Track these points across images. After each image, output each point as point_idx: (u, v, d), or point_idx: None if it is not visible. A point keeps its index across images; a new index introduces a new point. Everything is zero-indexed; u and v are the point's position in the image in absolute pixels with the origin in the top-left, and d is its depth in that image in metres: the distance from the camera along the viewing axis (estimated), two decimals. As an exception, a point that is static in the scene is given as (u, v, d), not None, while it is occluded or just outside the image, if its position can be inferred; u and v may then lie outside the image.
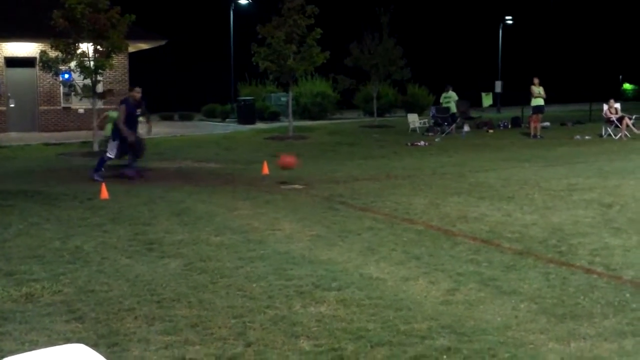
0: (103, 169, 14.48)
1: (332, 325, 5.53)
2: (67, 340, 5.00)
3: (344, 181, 14.09)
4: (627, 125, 24.86)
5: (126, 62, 28.97)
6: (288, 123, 27.05)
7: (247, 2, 44.89)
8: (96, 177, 14.06)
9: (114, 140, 14.50)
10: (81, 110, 27.78)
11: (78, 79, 20.32)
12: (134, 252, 7.97)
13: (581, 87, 50.22)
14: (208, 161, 16.43)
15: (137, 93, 14.56)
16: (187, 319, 5.68)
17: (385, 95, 39.92)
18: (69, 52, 19.44)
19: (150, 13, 40.40)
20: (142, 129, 15.09)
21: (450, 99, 29.38)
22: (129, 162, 14.77)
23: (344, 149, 21.69)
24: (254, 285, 6.64)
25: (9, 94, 27.39)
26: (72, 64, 19.82)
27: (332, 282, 6.69)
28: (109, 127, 15.29)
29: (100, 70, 19.88)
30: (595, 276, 6.91)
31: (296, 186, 13.42)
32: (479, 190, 12.60)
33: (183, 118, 38.49)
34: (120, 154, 14.71)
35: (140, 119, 14.94)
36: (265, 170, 15.42)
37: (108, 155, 14.59)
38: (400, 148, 21.90)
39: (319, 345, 5.10)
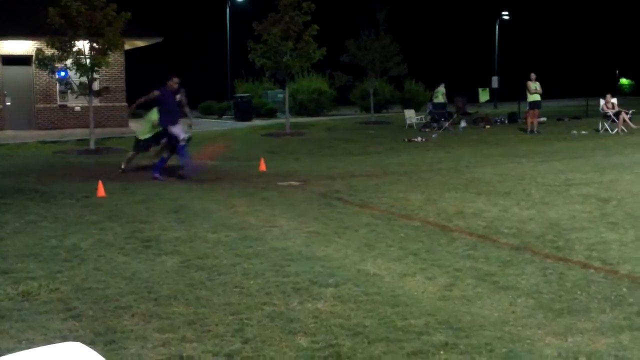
0: (189, 161, 14.21)
1: (329, 321, 5.53)
2: (64, 339, 4.99)
3: (340, 177, 14.09)
4: (624, 120, 24.88)
5: (122, 60, 28.91)
6: (285, 120, 27.05)
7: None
8: (188, 174, 13.91)
9: (171, 129, 13.94)
10: (77, 108, 27.72)
11: (74, 76, 20.28)
12: (130, 249, 7.96)
13: (578, 82, 50.24)
14: (199, 159, 16.40)
15: (175, 83, 14.18)
16: (184, 316, 5.68)
17: (382, 92, 39.95)
18: (65, 49, 19.40)
19: (146, 10, 40.36)
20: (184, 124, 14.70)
21: (439, 92, 29.42)
22: (161, 159, 14.42)
23: (341, 145, 21.69)
24: (251, 282, 6.63)
25: (5, 92, 27.34)
26: (68, 62, 19.77)
27: (329, 279, 6.68)
28: (147, 127, 14.84)
29: (96, 68, 19.84)
30: (592, 271, 6.91)
31: (293, 183, 13.42)
32: (476, 185, 12.61)
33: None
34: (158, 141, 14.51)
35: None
36: (262, 167, 15.41)
37: (181, 144, 14.01)
38: (397, 144, 21.90)
39: (316, 342, 5.09)
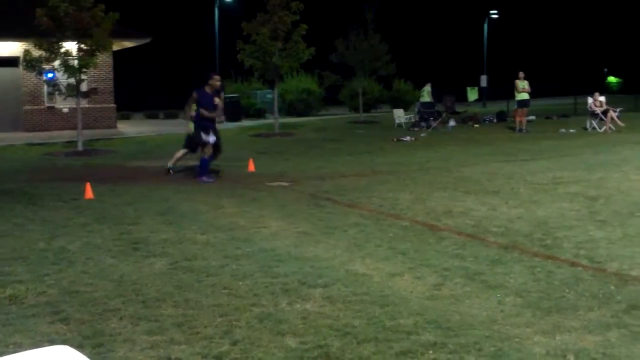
0: (209, 168, 13.81)
1: (318, 322, 5.52)
2: (52, 342, 4.96)
3: (330, 177, 14.09)
4: (612, 118, 24.98)
5: (110, 61, 28.83)
6: (274, 120, 27.02)
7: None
8: (206, 180, 13.51)
9: (203, 134, 13.66)
10: (65, 110, 27.63)
11: (62, 78, 20.20)
12: (119, 252, 7.93)
13: (566, 81, 50.39)
14: (193, 159, 16.32)
15: (217, 81, 13.73)
16: (172, 318, 5.66)
17: (371, 91, 40.02)
18: (53, 51, 19.32)
19: (135, 11, 40.27)
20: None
21: (424, 92, 29.51)
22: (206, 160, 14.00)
23: (330, 145, 21.69)
24: (240, 283, 6.62)
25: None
26: (56, 63, 19.69)
27: (318, 279, 6.68)
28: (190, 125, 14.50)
29: (84, 69, 19.77)
30: (580, 269, 6.93)
31: (282, 183, 13.41)
32: (465, 184, 12.63)
33: (168, 116, 38.39)
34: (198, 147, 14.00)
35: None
36: (251, 167, 15.38)
37: (205, 157, 13.80)
38: (386, 144, 21.91)
39: (304, 343, 5.09)
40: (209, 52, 45.55)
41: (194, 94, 13.73)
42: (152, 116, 38.28)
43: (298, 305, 5.95)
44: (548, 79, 52.92)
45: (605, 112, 25.17)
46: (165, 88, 46.91)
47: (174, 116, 38.36)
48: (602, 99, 25.89)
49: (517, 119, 25.88)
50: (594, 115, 25.54)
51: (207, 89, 13.77)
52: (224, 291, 6.38)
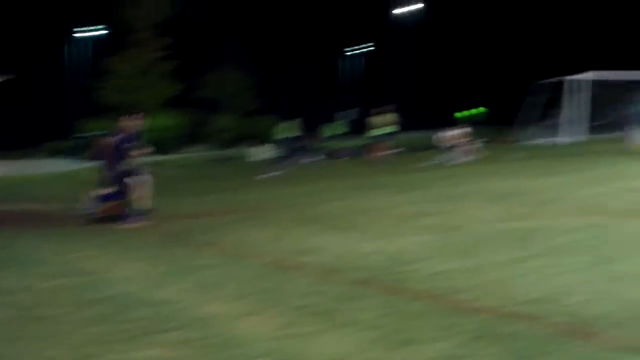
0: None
1: (166, 368, 5.33)
2: None
3: (190, 216, 13.87)
4: (471, 150, 25.92)
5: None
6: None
7: (99, 35, 43.76)
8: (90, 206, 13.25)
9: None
10: None
11: None
12: (-46, 304, 7.44)
13: (431, 113, 52.00)
14: (47, 201, 15.70)
15: (138, 120, 13.40)
16: (9, 373, 5.33)
17: (235, 127, 40.00)
18: None
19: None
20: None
21: (287, 127, 29.74)
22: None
23: (192, 184, 21.48)
24: (90, 330, 6.32)
25: None
26: None
27: (169, 323, 6.46)
28: None
29: None
30: (432, 300, 7.00)
31: (140, 224, 13.06)
32: (325, 220, 12.66)
33: (25, 156, 37.03)
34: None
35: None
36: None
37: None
38: (248, 180, 21.88)
39: (149, 392, 4.89)
40: (72, 89, 44.42)
41: (116, 137, 13.13)
42: (4, 157, 36.72)
43: (147, 352, 5.72)
44: (415, 111, 54.33)
45: (462, 145, 26.10)
46: (25, 126, 45.32)
47: (31, 155, 37.02)
48: (462, 131, 26.81)
49: (376, 154, 26.40)
50: (451, 147, 26.43)
51: (126, 130, 13.26)
52: (72, 339, 6.07)
